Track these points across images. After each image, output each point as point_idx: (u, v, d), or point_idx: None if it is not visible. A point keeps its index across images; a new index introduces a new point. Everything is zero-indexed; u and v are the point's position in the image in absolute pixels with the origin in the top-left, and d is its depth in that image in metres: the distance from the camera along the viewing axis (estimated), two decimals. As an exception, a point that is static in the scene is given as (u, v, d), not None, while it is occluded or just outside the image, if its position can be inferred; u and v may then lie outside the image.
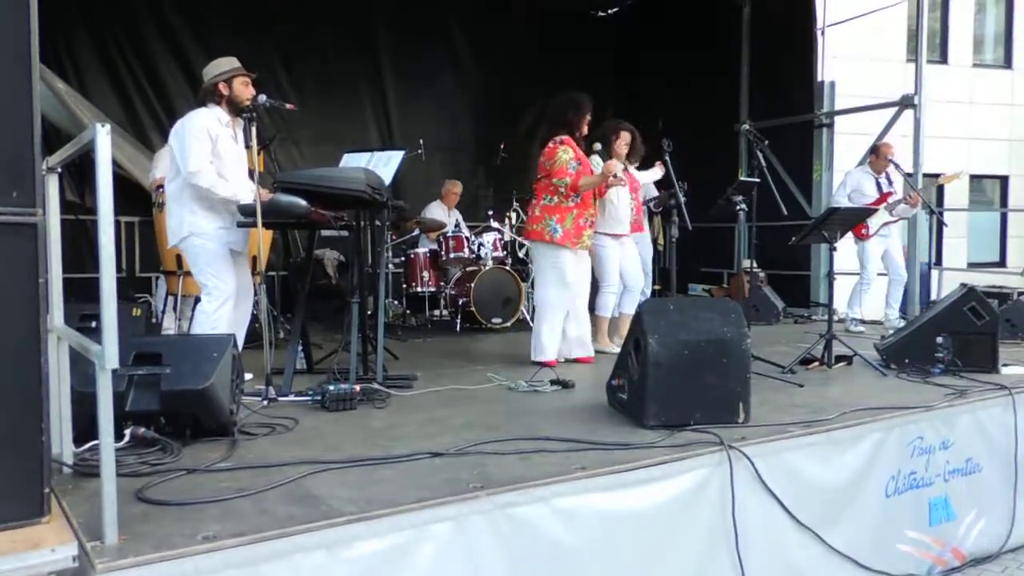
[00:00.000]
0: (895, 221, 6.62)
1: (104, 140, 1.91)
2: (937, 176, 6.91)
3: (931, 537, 3.49)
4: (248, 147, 3.99)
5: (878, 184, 6.58)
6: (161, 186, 5.34)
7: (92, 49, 7.21)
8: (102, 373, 1.93)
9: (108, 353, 1.89)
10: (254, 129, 3.87)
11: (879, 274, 6.65)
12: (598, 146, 4.95)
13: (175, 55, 7.52)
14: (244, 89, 4.01)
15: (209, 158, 3.89)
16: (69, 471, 2.49)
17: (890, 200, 6.51)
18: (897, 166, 6.49)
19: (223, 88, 4.00)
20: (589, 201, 4.74)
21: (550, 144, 4.70)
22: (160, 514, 2.17)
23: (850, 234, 5.64)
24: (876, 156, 6.59)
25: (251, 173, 4.02)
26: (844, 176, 6.85)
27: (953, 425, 3.61)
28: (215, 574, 1.95)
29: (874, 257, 6.58)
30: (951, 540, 3.59)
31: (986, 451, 3.74)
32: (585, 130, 4.79)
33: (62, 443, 2.49)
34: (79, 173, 6.78)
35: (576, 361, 4.88)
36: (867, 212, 5.89)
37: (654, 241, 7.32)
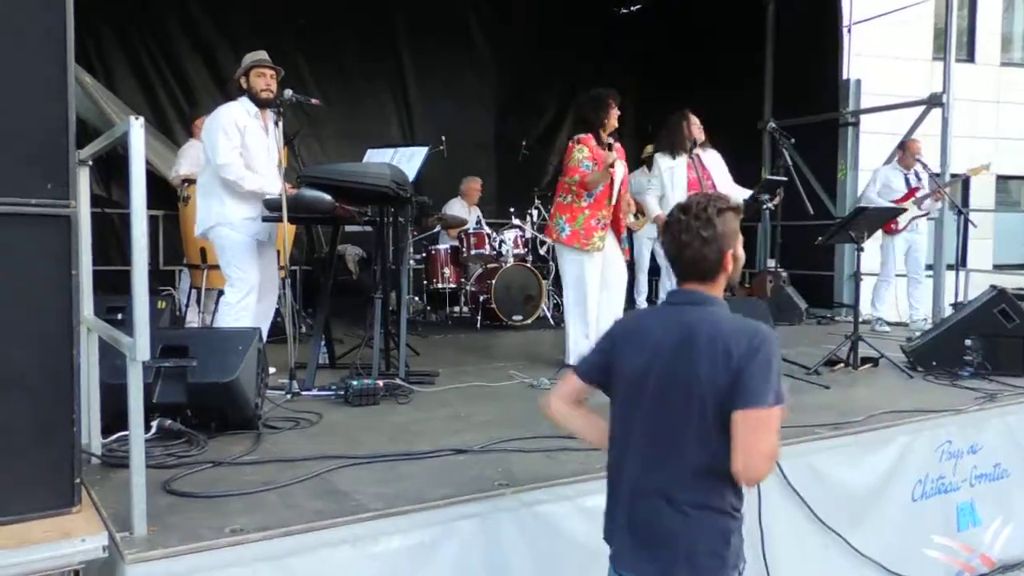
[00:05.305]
0: (923, 215, 6.57)
1: (138, 133, 1.93)
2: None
3: (959, 543, 3.44)
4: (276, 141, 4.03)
5: (907, 180, 6.56)
6: (187, 180, 5.40)
7: (118, 46, 7.27)
8: (133, 365, 1.94)
9: (140, 345, 1.90)
10: (280, 124, 3.90)
11: (897, 275, 6.59)
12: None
13: (200, 52, 7.57)
14: (258, 80, 4.06)
15: (238, 151, 3.94)
16: (97, 462, 2.51)
17: (917, 195, 6.47)
18: (925, 165, 6.44)
19: (243, 82, 4.09)
20: (603, 202, 4.61)
21: (570, 143, 4.73)
22: (187, 506, 2.19)
23: (879, 228, 5.57)
24: (904, 152, 6.57)
25: (277, 167, 4.04)
26: (873, 173, 6.84)
27: (982, 429, 3.55)
28: (242, 567, 1.96)
29: (897, 253, 6.57)
30: (979, 546, 3.53)
31: (1015, 456, 3.67)
32: (612, 124, 4.68)
33: (90, 434, 2.51)
34: (105, 166, 6.84)
35: None
36: (895, 212, 5.82)
37: None
